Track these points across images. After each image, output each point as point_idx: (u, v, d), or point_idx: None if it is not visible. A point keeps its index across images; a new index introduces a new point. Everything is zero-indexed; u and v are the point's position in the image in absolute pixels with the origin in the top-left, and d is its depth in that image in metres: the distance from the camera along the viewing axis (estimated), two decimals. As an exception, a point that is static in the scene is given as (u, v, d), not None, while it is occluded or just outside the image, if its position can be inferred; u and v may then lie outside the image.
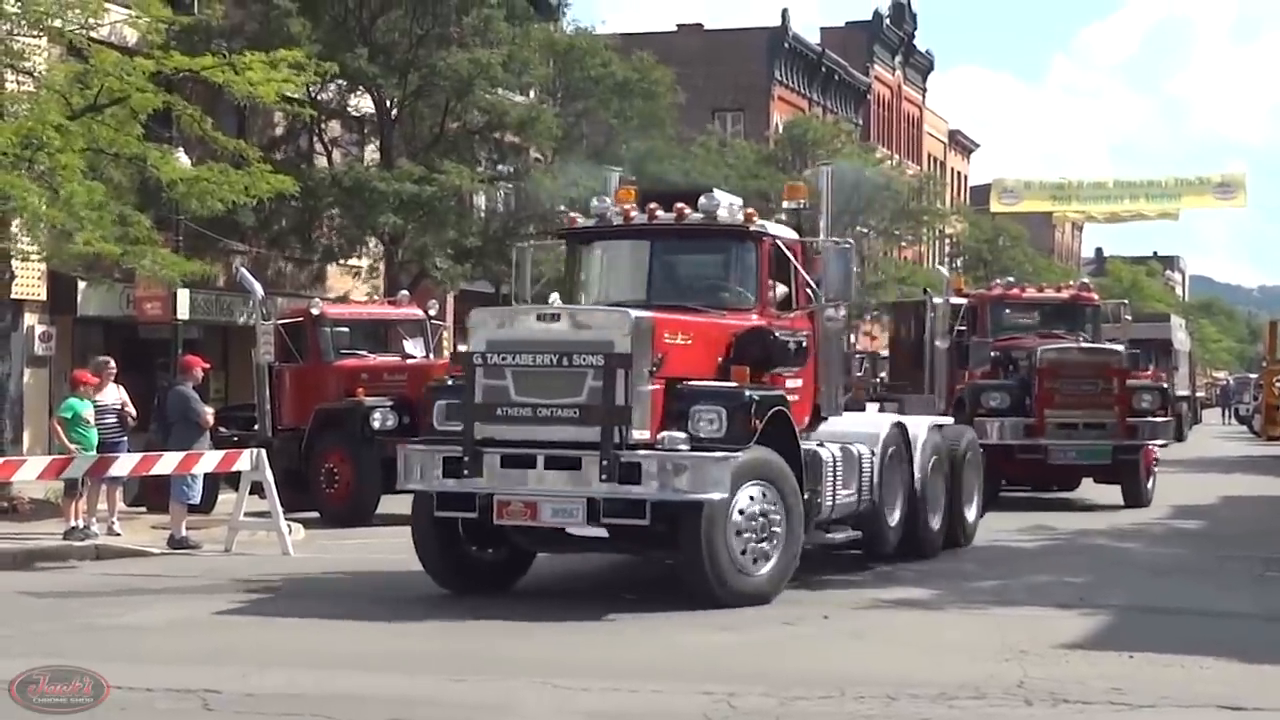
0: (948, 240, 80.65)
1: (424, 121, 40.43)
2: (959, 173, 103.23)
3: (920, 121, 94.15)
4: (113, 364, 22.54)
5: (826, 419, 17.10)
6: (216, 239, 34.84)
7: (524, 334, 14.98)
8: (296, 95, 27.93)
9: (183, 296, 32.23)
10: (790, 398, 15.77)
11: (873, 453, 17.51)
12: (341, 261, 40.58)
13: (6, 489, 23.87)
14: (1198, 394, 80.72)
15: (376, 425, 23.93)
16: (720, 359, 15.45)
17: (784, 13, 74.07)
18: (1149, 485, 27.37)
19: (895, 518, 18.16)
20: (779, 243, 16.50)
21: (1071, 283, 34.17)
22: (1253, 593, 16.56)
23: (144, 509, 23.72)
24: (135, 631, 13.44)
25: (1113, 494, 27.51)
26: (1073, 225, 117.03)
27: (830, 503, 16.37)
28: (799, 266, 16.72)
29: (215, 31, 33.61)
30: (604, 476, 14.28)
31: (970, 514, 20.52)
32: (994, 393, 27.17)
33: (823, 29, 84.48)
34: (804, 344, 16.27)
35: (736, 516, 14.63)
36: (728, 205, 16.54)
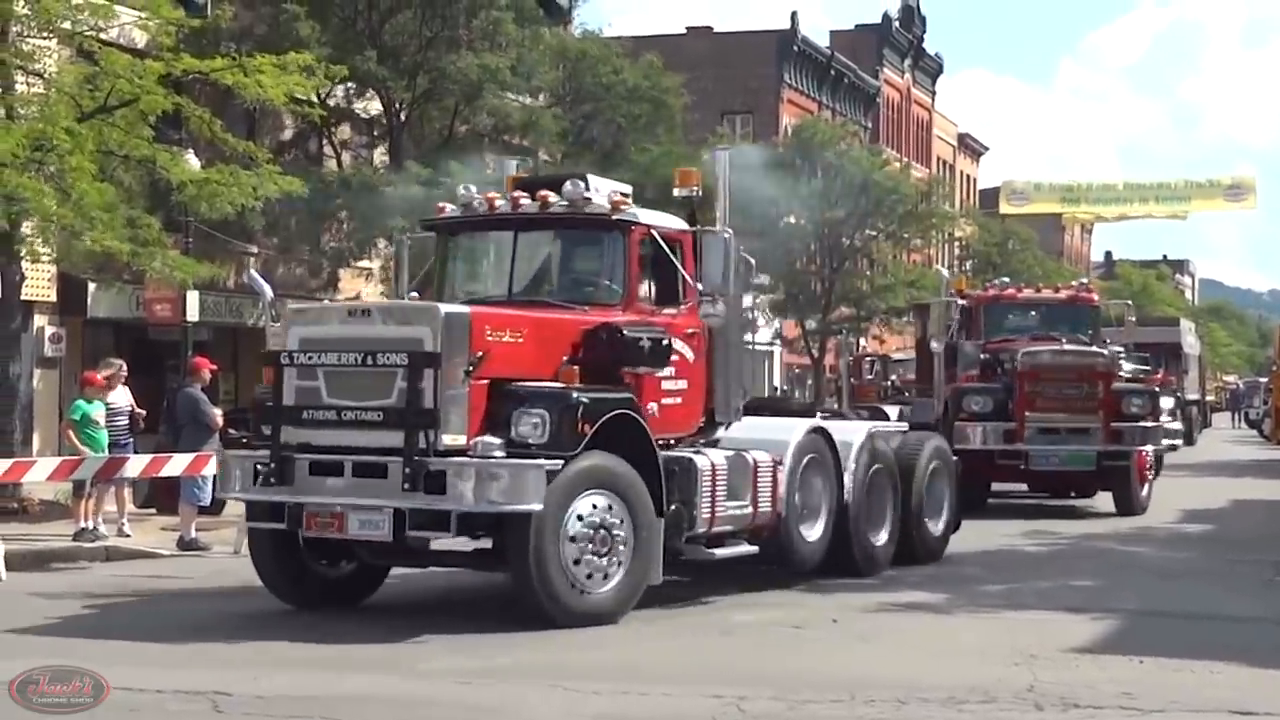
0: (957, 243, 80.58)
1: (433, 124, 40.45)
2: (968, 176, 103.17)
3: (929, 124, 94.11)
4: (124, 366, 22.57)
5: (724, 424, 15.98)
6: (226, 241, 34.86)
7: (335, 332, 14.09)
8: (306, 97, 27.94)
9: (192, 298, 32.22)
10: (668, 400, 15.01)
11: (778, 461, 16.03)
12: (352, 263, 40.60)
13: (17, 490, 23.89)
14: (1208, 398, 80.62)
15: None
16: (567, 358, 14.23)
17: (793, 15, 74.09)
18: (1144, 493, 26.52)
19: (816, 532, 16.80)
20: (655, 233, 15.27)
21: (1073, 283, 33.12)
22: (1263, 597, 16.54)
23: (154, 510, 23.75)
24: (145, 633, 13.45)
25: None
26: (1082, 228, 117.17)
27: (708, 515, 14.95)
28: (683, 258, 15.48)
29: (224, 34, 33.61)
30: (407, 486, 13.22)
31: (935, 527, 19.26)
32: (976, 396, 26.43)
33: (832, 32, 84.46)
34: (665, 343, 14.80)
35: (573, 529, 13.56)
36: (599, 192, 15.23)
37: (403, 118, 39.54)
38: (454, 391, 13.40)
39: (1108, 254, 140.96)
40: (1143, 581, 17.61)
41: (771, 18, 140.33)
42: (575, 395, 13.77)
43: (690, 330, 15.46)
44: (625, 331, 14.46)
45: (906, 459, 18.76)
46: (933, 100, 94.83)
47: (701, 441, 15.68)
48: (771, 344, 67.88)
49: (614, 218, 15.06)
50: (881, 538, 17.97)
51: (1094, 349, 27.11)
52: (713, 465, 15.08)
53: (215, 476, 18.56)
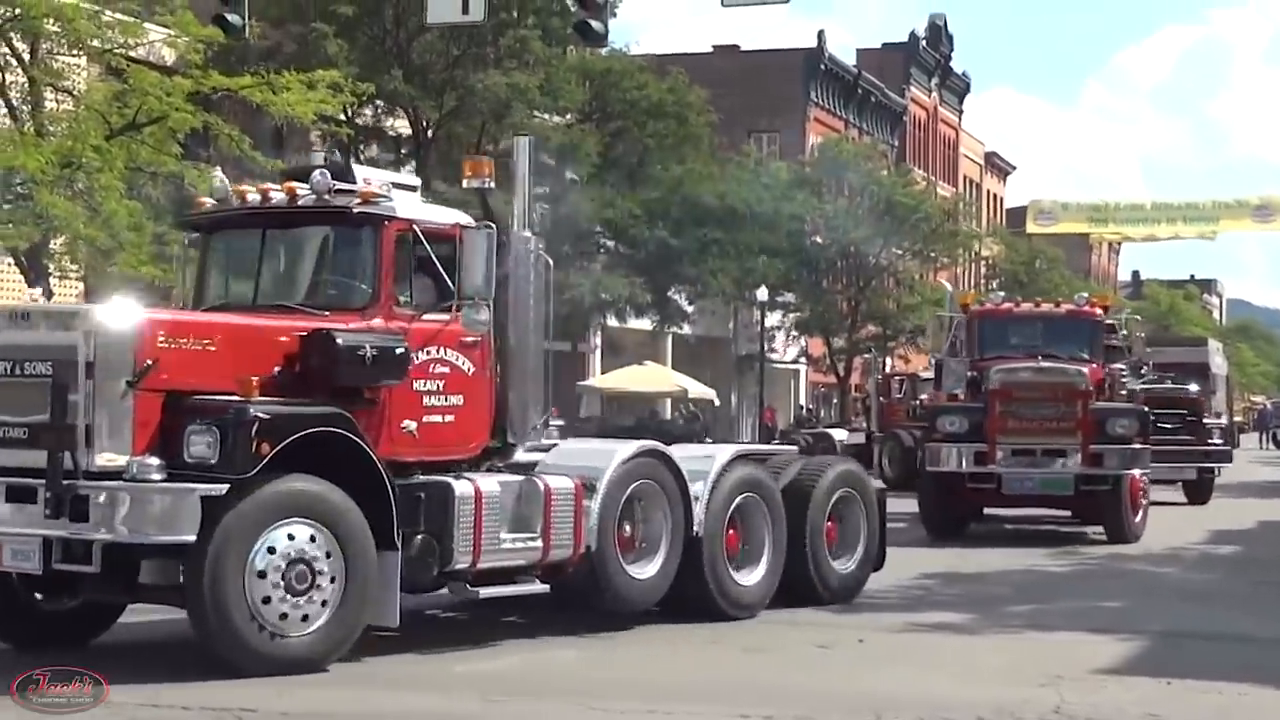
0: (984, 262, 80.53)
1: (460, 143, 40.56)
2: (995, 195, 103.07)
3: (956, 143, 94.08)
4: None
5: (515, 445, 14.21)
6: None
7: None
8: (334, 115, 28.06)
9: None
10: (433, 418, 13.24)
11: (590, 487, 14.09)
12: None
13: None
14: (1235, 418, 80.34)
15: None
16: (278, 369, 12.48)
17: (820, 34, 74.23)
18: (1136, 519, 24.73)
19: (650, 568, 14.65)
20: (418, 229, 13.34)
21: (1090, 296, 31.16)
22: (1290, 619, 16.46)
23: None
24: (169, 648, 13.44)
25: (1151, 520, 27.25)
26: (1109, 247, 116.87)
27: (469, 548, 13.03)
28: (453, 258, 13.43)
29: (253, 52, 33.78)
30: (48, 512, 11.64)
31: (846, 563, 16.73)
32: (950, 416, 25.04)
33: (859, 50, 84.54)
34: (400, 352, 12.89)
35: (261, 563, 11.77)
36: (369, 183, 13.56)
37: (430, 136, 39.65)
38: (112, 406, 11.78)
39: (1135, 273, 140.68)
40: (1169, 603, 17.53)
41: (798, 36, 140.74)
42: (252, 410, 11.88)
43: (470, 339, 13.57)
44: (340, 339, 12.58)
45: (801, 487, 16.29)
46: (959, 119, 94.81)
47: (488, 466, 13.92)
48: (797, 362, 67.90)
49: (360, 211, 13.24)
50: (754, 575, 15.59)
51: (1071, 366, 25.12)
52: (478, 492, 13.16)
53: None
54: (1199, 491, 34.49)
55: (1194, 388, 36.87)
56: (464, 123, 39.74)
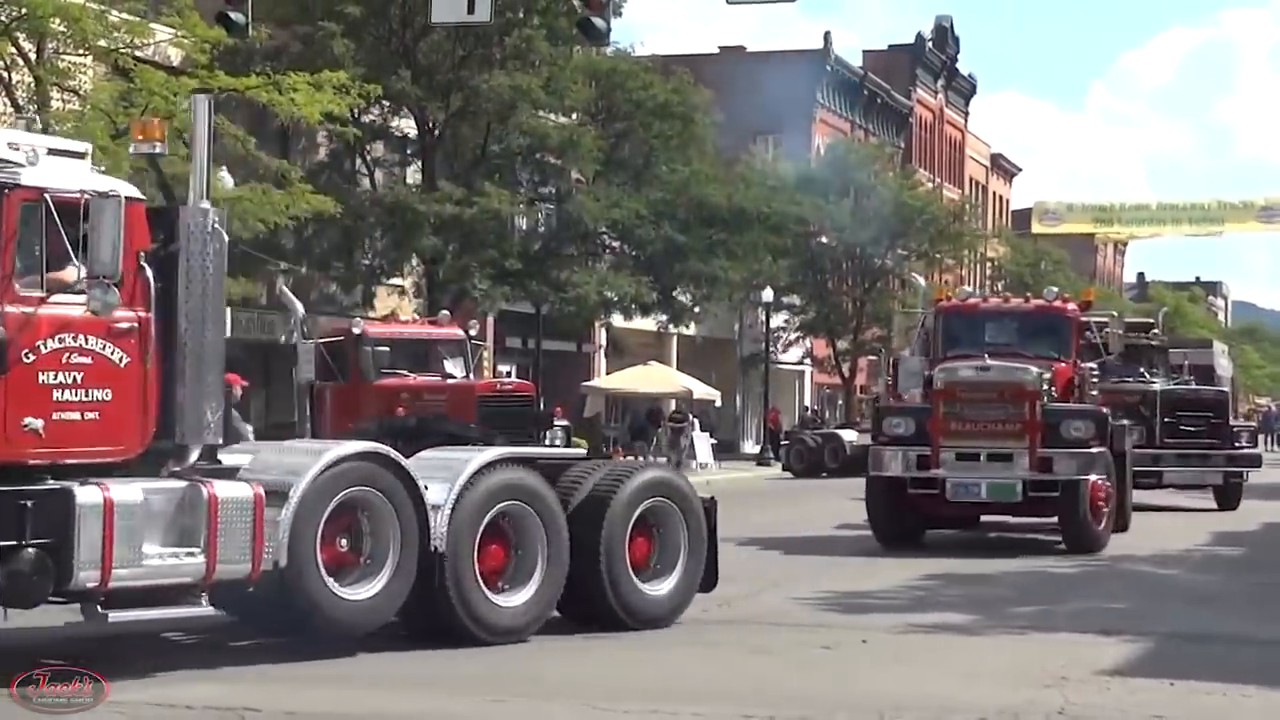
0: (989, 264, 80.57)
1: (466, 143, 40.61)
2: (1001, 197, 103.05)
3: (962, 145, 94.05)
4: None
5: (187, 447, 12.31)
6: (263, 259, 35.02)
7: None
8: (340, 115, 28.10)
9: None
10: (69, 415, 11.51)
11: (281, 496, 12.28)
12: (385, 281, 40.77)
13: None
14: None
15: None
16: None
17: (826, 35, 74.28)
18: (1100, 527, 22.94)
19: (370, 588, 12.87)
20: (49, 199, 11.54)
21: (1061, 292, 28.03)
22: (1294, 621, 16.46)
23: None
24: (175, 648, 13.48)
25: (1145, 523, 27.25)
26: (1114, 249, 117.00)
27: (97, 563, 11.33)
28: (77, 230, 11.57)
29: (259, 52, 33.82)
30: None
31: (658, 585, 14.68)
32: (896, 418, 23.81)
33: (865, 52, 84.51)
34: None
35: None
36: None
37: (436, 136, 39.70)
38: None
39: (1140, 275, 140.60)
40: (1173, 604, 17.53)
41: (804, 38, 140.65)
42: None
43: (123, 325, 11.82)
44: None
45: (598, 496, 14.32)
46: (965, 121, 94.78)
47: (170, 469, 12.28)
48: (802, 363, 67.94)
49: None
50: (518, 596, 13.73)
51: (1019, 365, 23.40)
52: (108, 500, 11.39)
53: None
54: (1227, 497, 32.12)
55: (1220, 388, 35.44)
56: (469, 123, 39.79)
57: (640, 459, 45.72)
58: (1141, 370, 32.39)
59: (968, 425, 22.95)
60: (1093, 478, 22.69)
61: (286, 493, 12.32)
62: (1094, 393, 25.13)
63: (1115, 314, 28.33)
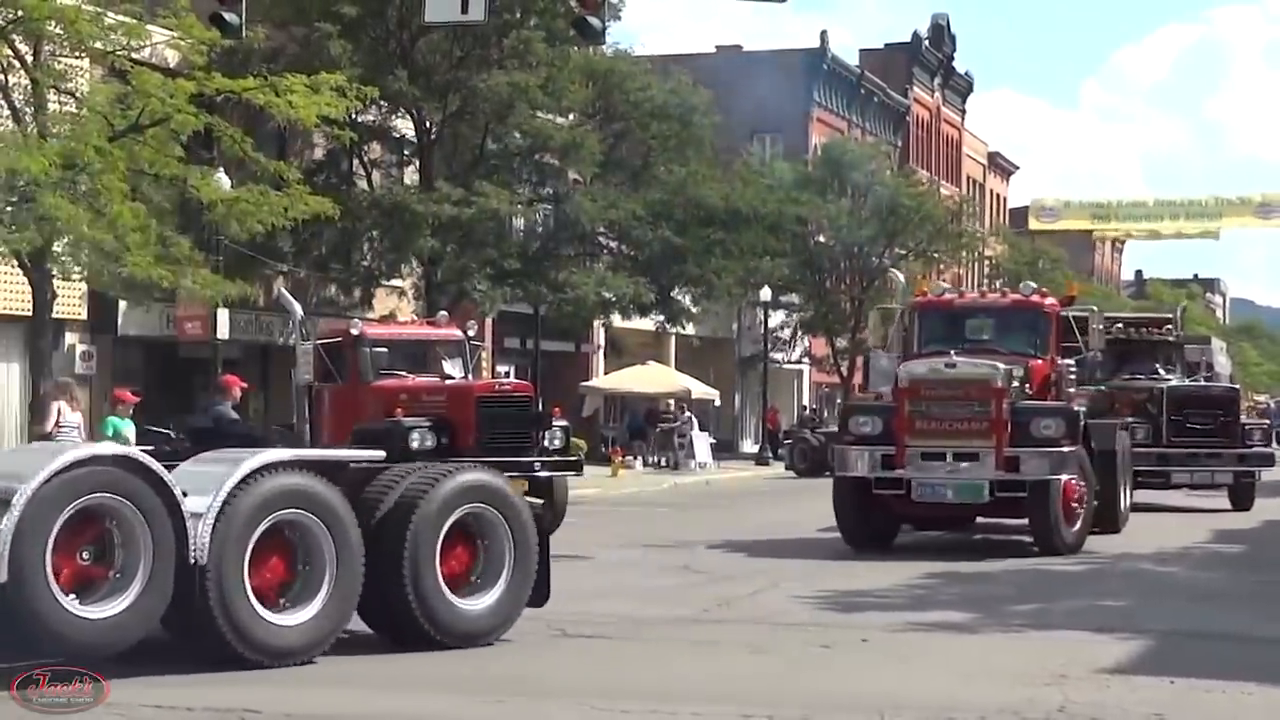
0: (987, 262, 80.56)
1: (464, 143, 40.60)
2: (998, 195, 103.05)
3: (959, 143, 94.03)
4: (71, 383, 22.59)
5: None
6: (261, 260, 35.01)
7: None
8: (337, 118, 28.07)
9: (223, 316, 32.37)
10: None
11: (9, 504, 11.14)
12: (384, 282, 40.77)
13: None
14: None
15: (415, 445, 23.86)
16: None
17: (823, 34, 74.27)
18: (1074, 528, 22.26)
19: (112, 606, 11.56)
20: None
21: (1039, 286, 27.41)
22: (1295, 618, 16.45)
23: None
24: (171, 650, 13.45)
25: (1147, 521, 27.21)
26: (1112, 246, 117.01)
27: None
28: None
29: (256, 54, 33.81)
30: None
31: (477, 599, 13.47)
32: (862, 416, 23.23)
33: (862, 51, 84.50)
34: None
35: None
36: None
37: (434, 136, 39.69)
38: None
39: (1138, 273, 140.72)
40: (1174, 602, 17.51)
41: (801, 37, 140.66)
42: None
43: None
44: None
45: (406, 502, 13.18)
46: (962, 119, 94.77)
47: None
48: (800, 362, 67.93)
49: None
50: (301, 614, 12.48)
51: (986, 362, 22.69)
52: None
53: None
54: (1240, 498, 31.20)
55: (1231, 384, 34.70)
56: (467, 123, 39.78)
57: (636, 458, 45.77)
58: (1156, 367, 32.14)
59: (933, 424, 22.36)
60: (1064, 477, 22.09)
61: (9, 500, 11.15)
62: (1071, 390, 24.16)
63: (1094, 308, 27.33)
